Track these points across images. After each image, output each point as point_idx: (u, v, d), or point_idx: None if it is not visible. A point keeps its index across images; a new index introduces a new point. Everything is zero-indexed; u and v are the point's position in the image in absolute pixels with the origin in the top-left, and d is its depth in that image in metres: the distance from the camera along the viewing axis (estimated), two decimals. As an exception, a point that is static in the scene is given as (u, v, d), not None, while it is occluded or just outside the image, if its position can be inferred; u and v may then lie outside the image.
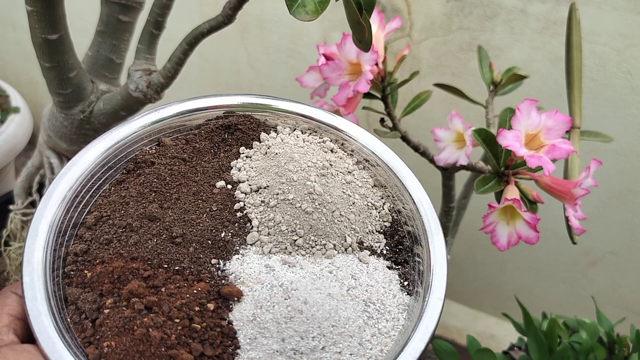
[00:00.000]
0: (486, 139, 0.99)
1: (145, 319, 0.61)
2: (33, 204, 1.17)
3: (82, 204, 0.72)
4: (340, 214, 0.74)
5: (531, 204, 1.00)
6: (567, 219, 0.96)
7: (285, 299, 0.65)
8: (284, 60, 1.75)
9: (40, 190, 1.15)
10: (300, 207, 0.72)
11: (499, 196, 1.01)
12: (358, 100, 1.12)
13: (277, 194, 0.73)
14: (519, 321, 1.20)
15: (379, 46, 1.14)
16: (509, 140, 0.91)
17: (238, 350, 0.62)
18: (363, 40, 0.76)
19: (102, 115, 0.97)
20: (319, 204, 0.73)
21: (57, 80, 0.91)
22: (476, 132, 0.99)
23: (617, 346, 1.12)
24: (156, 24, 0.92)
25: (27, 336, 0.62)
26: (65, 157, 1.08)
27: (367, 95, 1.17)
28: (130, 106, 0.96)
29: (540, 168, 0.94)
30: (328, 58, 1.12)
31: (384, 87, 1.17)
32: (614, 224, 1.60)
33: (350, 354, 0.63)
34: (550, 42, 1.43)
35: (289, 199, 0.73)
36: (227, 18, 0.81)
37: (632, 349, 1.10)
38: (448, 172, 1.18)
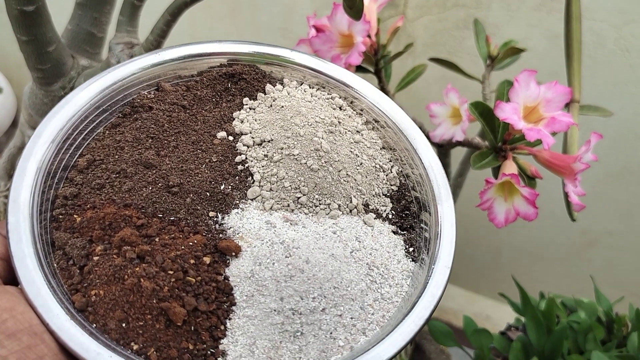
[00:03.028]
0: (483, 112, 0.97)
1: (137, 269, 0.58)
2: None
3: (74, 146, 0.68)
4: (347, 174, 0.70)
5: (530, 179, 0.98)
6: (566, 195, 0.94)
7: (286, 257, 0.62)
8: (275, 39, 1.71)
9: None
10: (305, 163, 0.69)
11: (496, 172, 0.99)
12: (351, 73, 1.09)
13: (282, 149, 0.70)
14: (515, 300, 1.20)
15: (371, 17, 1.11)
16: (507, 112, 0.89)
17: (233, 307, 0.59)
18: (354, 6, 0.73)
19: None
20: (325, 162, 0.69)
21: (35, 54, 0.87)
22: (473, 106, 0.97)
23: (616, 325, 1.12)
24: None
25: (11, 277, 0.58)
26: (47, 137, 1.04)
27: (360, 69, 1.14)
28: (112, 81, 0.91)
29: (538, 142, 0.92)
30: (319, 30, 1.09)
31: (377, 60, 1.15)
32: (611, 203, 1.60)
33: (351, 318, 0.61)
34: (547, 19, 1.41)
35: (294, 154, 0.69)
36: None
37: (631, 328, 1.10)
38: (444, 148, 1.16)
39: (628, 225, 1.63)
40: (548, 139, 0.87)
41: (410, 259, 0.68)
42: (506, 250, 1.84)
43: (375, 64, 1.15)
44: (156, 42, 0.85)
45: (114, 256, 0.59)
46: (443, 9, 1.49)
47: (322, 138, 0.70)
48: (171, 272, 0.58)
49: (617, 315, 1.13)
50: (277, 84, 0.79)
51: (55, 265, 0.59)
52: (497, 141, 0.98)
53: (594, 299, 1.20)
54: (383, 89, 1.15)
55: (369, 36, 1.08)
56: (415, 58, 1.54)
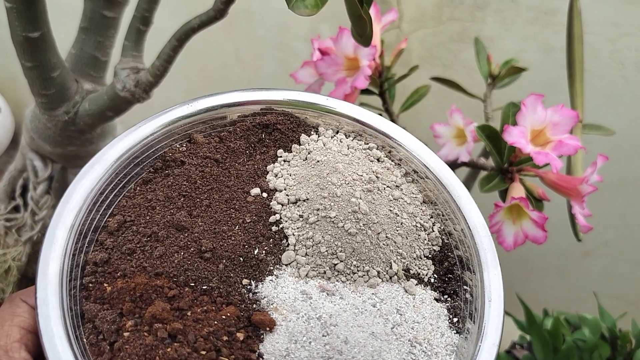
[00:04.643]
0: (490, 135, 0.97)
1: (169, 349, 0.55)
2: (17, 209, 1.13)
3: (105, 204, 0.66)
4: (386, 237, 0.66)
5: (537, 201, 0.98)
6: (572, 217, 0.95)
7: (323, 336, 0.58)
8: (272, 53, 1.72)
9: (24, 195, 1.11)
10: (342, 227, 0.65)
11: (502, 194, 0.99)
12: (356, 96, 1.08)
13: (318, 210, 0.66)
14: (515, 315, 1.21)
15: (376, 40, 1.10)
16: (515, 136, 0.89)
17: (268, 389, 0.56)
18: (364, 34, 0.72)
19: (88, 116, 0.93)
20: (363, 225, 0.65)
21: (40, 80, 0.86)
22: (480, 129, 0.97)
23: (620, 342, 1.11)
24: (143, 20, 0.87)
25: (39, 352, 0.56)
26: (49, 159, 1.04)
27: (364, 91, 1.14)
28: (117, 106, 0.91)
29: (545, 164, 0.90)
30: (324, 53, 1.08)
31: (381, 82, 1.15)
32: (607, 214, 1.58)
33: (393, 404, 0.57)
34: (542, 32, 1.41)
35: (330, 217, 0.65)
36: (219, 12, 0.75)
37: (635, 345, 1.10)
38: (448, 169, 1.17)
39: (624, 236, 1.64)
40: (556, 162, 0.88)
41: (455, 331, 0.64)
42: (503, 261, 1.84)
43: (380, 85, 1.15)
44: (162, 67, 0.83)
45: (145, 334, 0.56)
46: (438, 22, 1.50)
47: (360, 198, 0.67)
48: (204, 353, 0.56)
49: (621, 332, 1.13)
50: (312, 132, 0.77)
51: (84, 340, 0.57)
52: (503, 163, 0.98)
53: (592, 309, 1.21)
54: (387, 110, 1.15)
55: (373, 59, 1.06)
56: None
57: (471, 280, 0.67)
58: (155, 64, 0.83)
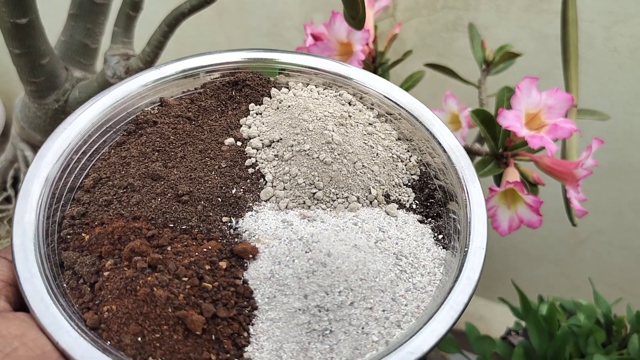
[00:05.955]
0: (484, 119, 0.96)
1: (149, 278, 0.54)
2: (8, 200, 1.11)
3: (79, 167, 0.66)
4: (363, 165, 0.67)
5: (532, 186, 0.97)
6: (567, 201, 0.93)
7: (306, 252, 0.58)
8: (264, 44, 1.70)
9: (15, 185, 1.10)
10: (317, 157, 0.65)
11: (497, 179, 0.98)
12: (349, 81, 1.08)
13: (292, 146, 0.67)
14: (511, 302, 1.21)
15: (369, 25, 1.10)
16: (510, 120, 0.88)
17: (255, 312, 0.56)
18: (357, 17, 0.73)
19: (78, 104, 0.88)
20: (338, 154, 0.66)
21: (29, 67, 0.85)
22: (474, 113, 0.96)
23: (615, 327, 1.11)
24: (133, 5, 0.87)
25: (20, 303, 0.55)
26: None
27: None
28: (108, 94, 0.90)
29: (540, 148, 0.90)
30: (316, 38, 1.08)
31: (375, 67, 1.15)
32: (601, 202, 1.58)
33: (383, 310, 0.56)
34: (536, 20, 1.41)
35: (305, 150, 0.66)
36: None
37: (630, 330, 1.09)
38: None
39: (618, 223, 1.63)
40: (551, 146, 0.87)
41: (441, 247, 0.64)
42: (498, 249, 1.83)
43: (374, 71, 1.14)
44: (153, 53, 0.83)
45: (125, 268, 0.56)
46: (432, 11, 1.50)
47: (333, 131, 0.67)
48: (186, 279, 0.55)
49: (616, 317, 1.12)
50: (282, 87, 0.77)
51: (65, 285, 0.57)
52: (497, 148, 0.97)
53: (587, 296, 1.20)
54: (382, 96, 1.15)
55: (367, 44, 1.06)
56: (406, 60, 1.55)
57: (454, 206, 0.68)
58: (146, 50, 0.83)
